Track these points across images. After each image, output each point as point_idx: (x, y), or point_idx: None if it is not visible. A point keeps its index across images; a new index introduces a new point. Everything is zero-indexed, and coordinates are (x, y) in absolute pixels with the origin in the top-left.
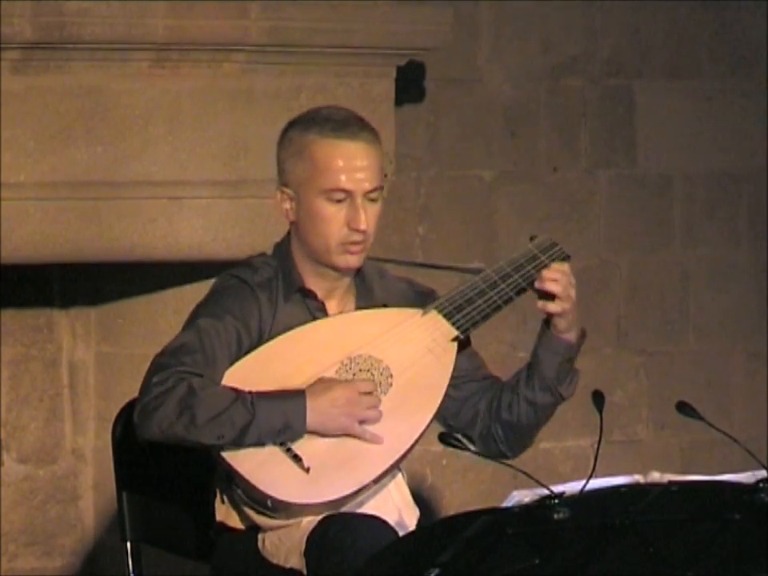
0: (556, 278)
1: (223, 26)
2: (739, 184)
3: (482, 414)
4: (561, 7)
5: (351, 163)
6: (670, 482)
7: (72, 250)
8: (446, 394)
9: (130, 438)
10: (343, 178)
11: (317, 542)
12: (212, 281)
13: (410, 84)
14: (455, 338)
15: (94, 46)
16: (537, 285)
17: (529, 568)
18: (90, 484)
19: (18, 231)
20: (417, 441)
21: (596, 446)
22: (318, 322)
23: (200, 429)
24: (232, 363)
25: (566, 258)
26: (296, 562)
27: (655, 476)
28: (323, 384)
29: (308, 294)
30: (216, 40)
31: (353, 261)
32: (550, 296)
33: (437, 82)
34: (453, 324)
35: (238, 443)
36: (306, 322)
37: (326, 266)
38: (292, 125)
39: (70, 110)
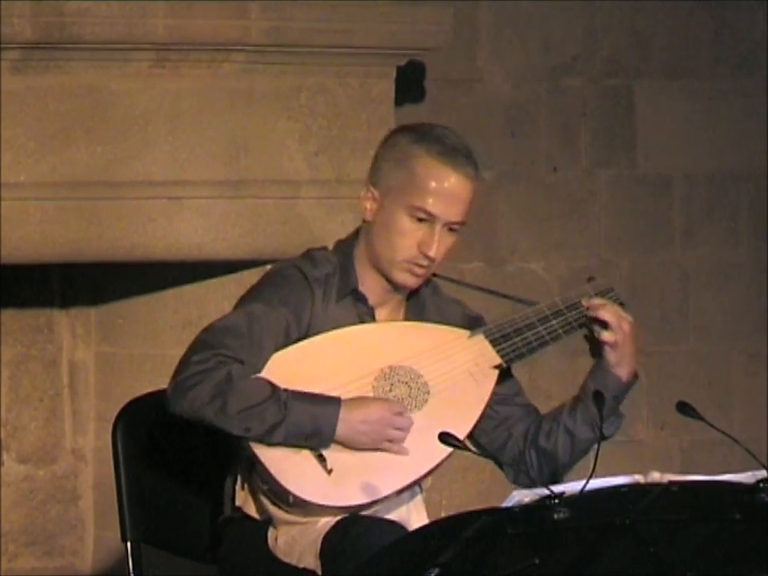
0: (604, 303)
1: (223, 26)
2: (739, 184)
3: (516, 439)
4: (561, 7)
5: (445, 191)
6: (670, 482)
7: (72, 250)
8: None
9: (130, 437)
10: (432, 201)
11: (334, 543)
12: (212, 281)
13: (410, 84)
14: (497, 366)
15: (93, 46)
16: (589, 313)
17: (529, 568)
18: (90, 484)
19: (18, 231)
20: (442, 462)
21: (596, 445)
22: (368, 325)
23: (229, 418)
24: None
25: (621, 304)
26: (311, 562)
27: (655, 476)
28: (360, 399)
29: (360, 298)
30: (216, 40)
31: (411, 281)
32: (603, 326)
33: (437, 82)
34: (498, 352)
35: (265, 439)
36: (353, 324)
37: (384, 276)
38: (403, 131)
39: (70, 110)
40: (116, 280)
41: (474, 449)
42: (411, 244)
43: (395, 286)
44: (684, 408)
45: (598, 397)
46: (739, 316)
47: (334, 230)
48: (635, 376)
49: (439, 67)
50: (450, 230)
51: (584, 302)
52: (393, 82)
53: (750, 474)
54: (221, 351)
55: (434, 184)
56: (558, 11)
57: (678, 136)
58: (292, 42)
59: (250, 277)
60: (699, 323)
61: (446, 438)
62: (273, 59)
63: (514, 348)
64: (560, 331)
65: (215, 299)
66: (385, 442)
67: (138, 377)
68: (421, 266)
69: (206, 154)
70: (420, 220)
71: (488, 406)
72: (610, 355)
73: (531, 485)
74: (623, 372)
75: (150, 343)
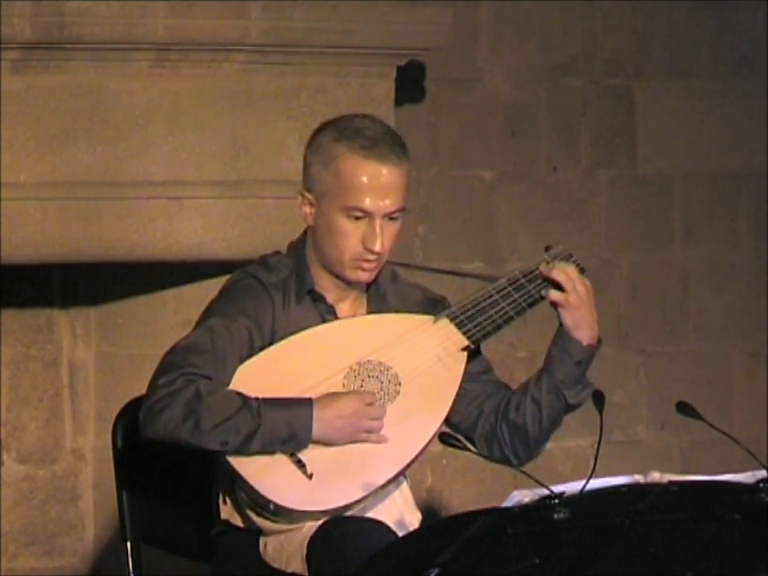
0: (557, 267)
1: (223, 26)
2: (739, 184)
3: (487, 414)
4: (561, 7)
5: (376, 186)
6: (670, 482)
7: (72, 250)
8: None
9: (130, 437)
10: (367, 200)
11: (319, 546)
12: (212, 281)
13: (409, 84)
14: (465, 348)
15: (94, 45)
16: (543, 271)
17: (529, 568)
18: (90, 484)
19: (18, 231)
20: (422, 451)
21: (596, 445)
22: (330, 324)
23: (204, 434)
24: (242, 363)
25: (582, 270)
26: (298, 566)
27: (655, 476)
28: (330, 395)
29: (318, 298)
30: (216, 40)
31: (364, 276)
32: (558, 289)
33: (437, 82)
34: (464, 334)
35: (243, 450)
36: (315, 324)
37: (336, 276)
38: (323, 130)
39: (69, 110)
40: (116, 280)
41: (473, 448)
42: (355, 243)
43: (350, 283)
44: (684, 408)
45: (598, 397)
46: (739, 316)
47: None
48: (598, 341)
49: (439, 67)
50: (391, 218)
51: (541, 268)
52: (393, 82)
53: (749, 474)
54: (187, 370)
55: (363, 181)
56: (558, 11)
57: (677, 136)
58: (292, 42)
59: None
60: (699, 323)
61: (446, 438)
62: (273, 59)
63: (479, 328)
64: (524, 304)
65: None
66: (362, 433)
67: (137, 377)
68: (369, 260)
69: (206, 154)
70: (358, 218)
71: (460, 388)
72: (566, 317)
73: (506, 461)
74: (583, 335)
75: (149, 343)
